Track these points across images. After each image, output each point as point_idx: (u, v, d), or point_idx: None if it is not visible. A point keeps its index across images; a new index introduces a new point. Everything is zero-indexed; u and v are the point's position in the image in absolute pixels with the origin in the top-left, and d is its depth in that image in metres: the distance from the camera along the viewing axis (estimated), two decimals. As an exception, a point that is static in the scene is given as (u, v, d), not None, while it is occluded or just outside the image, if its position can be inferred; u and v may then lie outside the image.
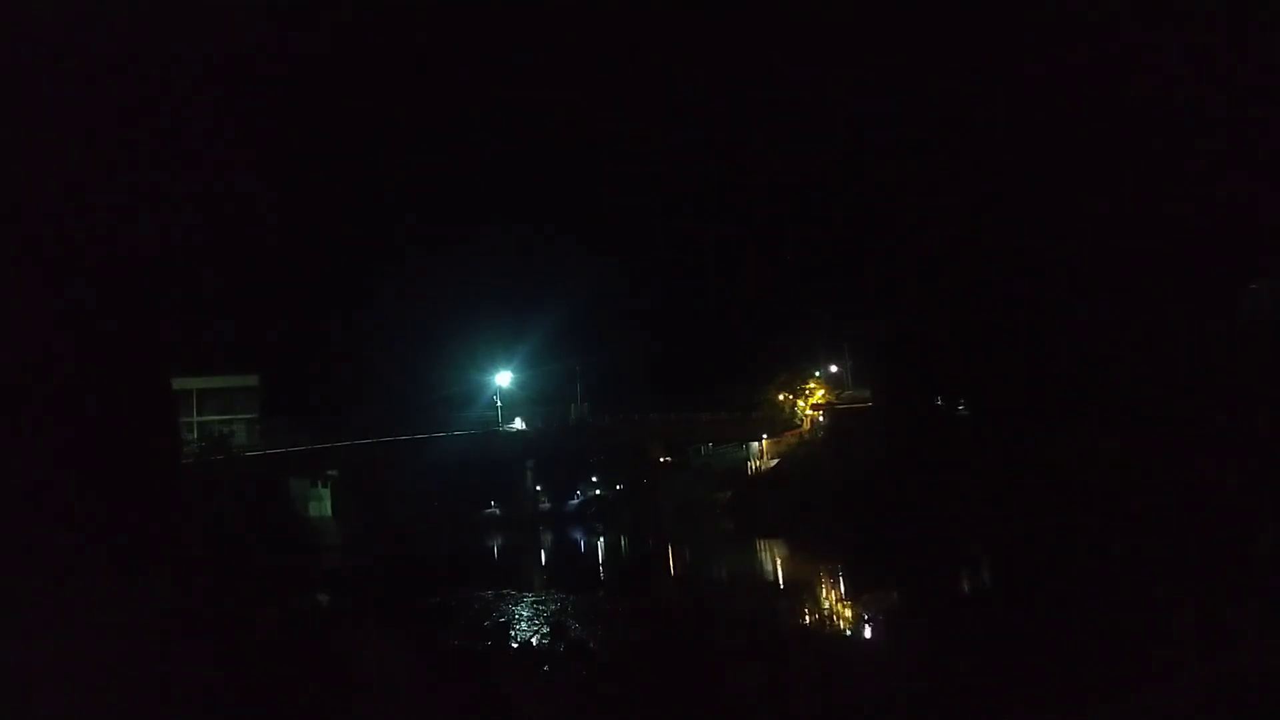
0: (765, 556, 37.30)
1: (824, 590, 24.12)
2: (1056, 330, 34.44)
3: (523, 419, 68.09)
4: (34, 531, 12.70)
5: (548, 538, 61.86)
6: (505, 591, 24.80)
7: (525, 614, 20.31)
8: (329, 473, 63.69)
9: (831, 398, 63.45)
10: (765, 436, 66.20)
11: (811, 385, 65.55)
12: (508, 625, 18.58)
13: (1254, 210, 29.07)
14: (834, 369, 66.79)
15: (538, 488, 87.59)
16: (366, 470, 64.69)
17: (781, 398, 66.15)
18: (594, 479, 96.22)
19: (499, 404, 68.41)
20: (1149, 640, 12.40)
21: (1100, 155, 32.90)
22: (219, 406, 63.38)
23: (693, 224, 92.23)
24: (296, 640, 14.78)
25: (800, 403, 65.12)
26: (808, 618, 19.36)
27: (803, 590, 24.30)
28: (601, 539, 57.53)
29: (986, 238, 37.56)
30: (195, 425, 59.21)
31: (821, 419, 62.04)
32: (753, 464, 67.10)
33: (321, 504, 64.23)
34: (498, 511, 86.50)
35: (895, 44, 42.34)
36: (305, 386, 69.95)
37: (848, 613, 19.50)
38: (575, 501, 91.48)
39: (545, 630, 17.38)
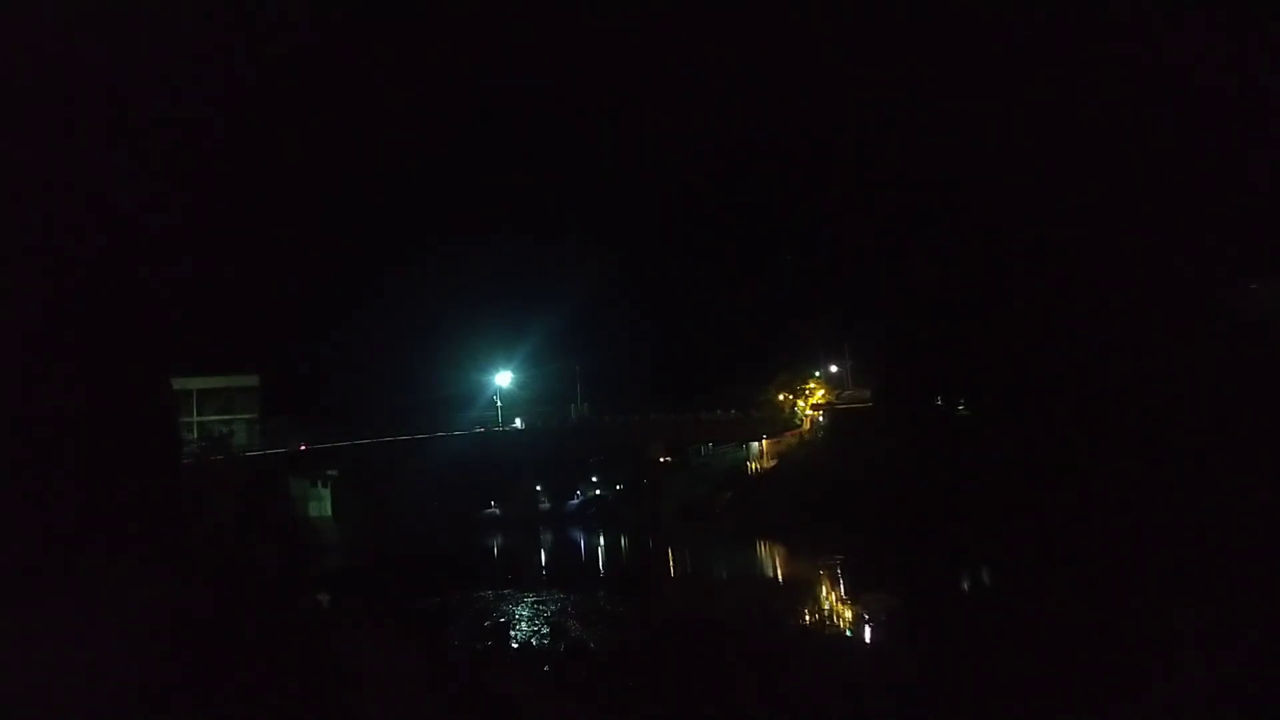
0: (765, 557, 37.29)
1: (824, 590, 24.12)
2: (1056, 330, 34.42)
3: (523, 419, 68.03)
4: (34, 531, 12.70)
5: (548, 538, 61.84)
6: (505, 591, 24.84)
7: (525, 614, 20.32)
8: (329, 473, 63.62)
9: (831, 398, 63.39)
10: (765, 436, 66.12)
11: (811, 385, 65.52)
12: (508, 625, 18.60)
13: (1254, 210, 29.07)
14: (834, 369, 66.71)
15: (538, 488, 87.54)
16: (366, 470, 64.61)
17: (781, 398, 66.14)
18: (594, 479, 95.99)
19: (499, 404, 68.36)
20: (1149, 640, 12.40)
21: (1101, 156, 32.90)
22: (219, 406, 63.28)
23: (693, 224, 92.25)
24: (296, 640, 14.77)
25: (800, 403, 65.09)
26: (808, 618, 19.34)
27: (803, 590, 24.30)
28: (601, 539, 57.49)
29: (987, 238, 37.56)
30: (195, 425, 59.13)
31: (821, 419, 62.01)
32: (753, 464, 67.03)
33: (321, 504, 64.09)
34: (498, 511, 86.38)
35: (893, 44, 42.33)
36: (305, 386, 69.91)
37: (847, 613, 19.51)
38: (575, 501, 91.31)
39: (545, 630, 17.40)
